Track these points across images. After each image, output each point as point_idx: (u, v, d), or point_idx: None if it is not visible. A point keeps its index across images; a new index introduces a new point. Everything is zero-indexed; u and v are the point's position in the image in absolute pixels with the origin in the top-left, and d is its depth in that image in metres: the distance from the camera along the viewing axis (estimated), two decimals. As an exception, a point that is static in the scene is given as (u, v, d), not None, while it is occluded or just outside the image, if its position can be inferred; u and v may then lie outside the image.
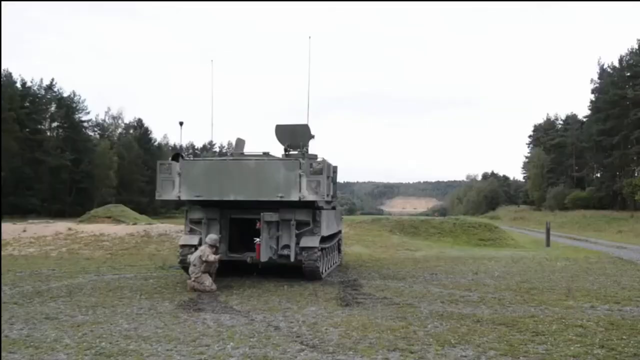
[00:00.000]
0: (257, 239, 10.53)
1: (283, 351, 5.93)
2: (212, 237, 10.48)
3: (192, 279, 10.08)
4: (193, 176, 10.75)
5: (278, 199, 10.44)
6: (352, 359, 5.70)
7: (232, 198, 10.59)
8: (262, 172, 10.56)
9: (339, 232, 14.81)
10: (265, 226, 10.48)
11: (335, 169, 12.49)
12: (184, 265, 11.03)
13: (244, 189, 10.52)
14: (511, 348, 6.11)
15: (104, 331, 6.80)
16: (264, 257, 10.53)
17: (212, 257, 10.11)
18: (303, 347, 6.11)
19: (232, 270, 11.85)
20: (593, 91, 66.11)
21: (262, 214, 10.43)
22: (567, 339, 6.51)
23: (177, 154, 11.10)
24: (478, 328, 7.06)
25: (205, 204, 11.19)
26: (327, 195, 11.03)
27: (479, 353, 5.92)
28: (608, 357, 5.84)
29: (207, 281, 10.01)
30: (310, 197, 10.44)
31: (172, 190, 10.84)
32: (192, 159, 12.23)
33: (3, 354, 5.84)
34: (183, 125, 11.78)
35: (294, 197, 10.41)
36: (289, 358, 5.72)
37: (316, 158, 11.83)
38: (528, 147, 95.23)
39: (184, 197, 10.87)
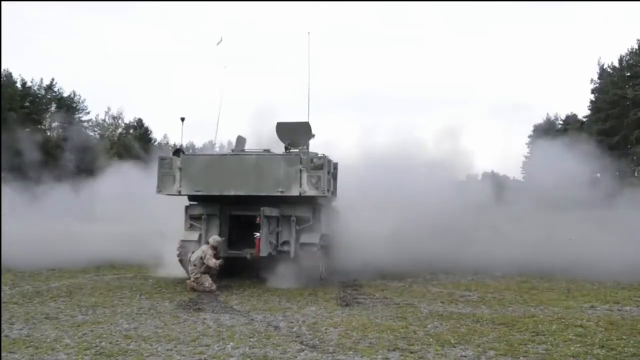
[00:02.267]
0: (257, 234, 10.50)
1: (283, 351, 5.93)
2: (216, 238, 10.43)
3: (192, 279, 10.06)
4: (194, 171, 10.85)
5: (278, 193, 10.48)
6: (352, 359, 5.70)
7: (232, 193, 10.65)
8: (262, 167, 10.63)
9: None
10: (265, 221, 10.45)
11: (336, 165, 12.46)
12: (182, 260, 11.00)
13: (245, 184, 10.58)
14: (511, 348, 6.11)
15: (104, 331, 6.80)
16: (263, 252, 10.48)
17: (212, 262, 10.02)
18: (303, 347, 6.11)
19: (232, 271, 11.83)
20: (593, 91, 66.01)
21: (262, 208, 10.41)
22: (567, 339, 6.52)
23: (178, 149, 11.18)
24: (478, 328, 7.06)
25: (205, 199, 11.21)
26: (328, 191, 11.05)
27: (479, 353, 5.92)
28: (608, 357, 5.85)
29: (207, 282, 9.99)
30: (310, 192, 10.47)
31: (172, 185, 10.94)
32: (193, 154, 12.29)
33: (3, 354, 5.84)
34: (184, 123, 11.84)
35: (295, 192, 10.46)
36: (289, 358, 5.72)
37: (317, 154, 11.81)
38: (528, 147, 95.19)
39: (184, 192, 10.98)
